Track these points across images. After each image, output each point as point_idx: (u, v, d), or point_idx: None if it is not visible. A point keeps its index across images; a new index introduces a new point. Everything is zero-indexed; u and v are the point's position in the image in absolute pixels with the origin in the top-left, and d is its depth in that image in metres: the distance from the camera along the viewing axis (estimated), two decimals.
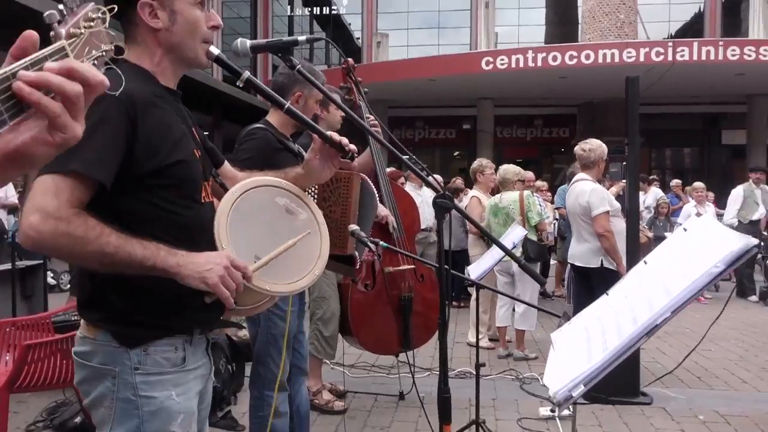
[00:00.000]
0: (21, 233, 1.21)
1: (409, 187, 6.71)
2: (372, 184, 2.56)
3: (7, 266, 5.01)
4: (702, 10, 20.92)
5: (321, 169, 1.63)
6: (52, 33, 0.78)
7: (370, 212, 2.52)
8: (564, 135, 20.39)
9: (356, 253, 2.28)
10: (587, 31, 16.38)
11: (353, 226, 2.17)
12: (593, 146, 4.58)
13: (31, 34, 0.73)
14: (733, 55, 13.25)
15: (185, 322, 1.44)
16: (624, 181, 5.48)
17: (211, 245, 1.40)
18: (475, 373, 3.26)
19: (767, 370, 5.05)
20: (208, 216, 1.44)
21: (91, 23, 0.85)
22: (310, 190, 2.25)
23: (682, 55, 13.27)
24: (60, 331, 3.42)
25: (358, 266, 2.30)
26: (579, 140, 5.02)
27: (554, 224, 8.08)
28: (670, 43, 13.75)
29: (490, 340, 5.78)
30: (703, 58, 13.30)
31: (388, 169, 6.28)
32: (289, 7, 23.49)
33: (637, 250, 4.27)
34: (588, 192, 4.44)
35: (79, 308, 1.43)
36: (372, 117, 3.31)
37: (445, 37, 22.59)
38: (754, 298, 8.32)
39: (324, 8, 23.29)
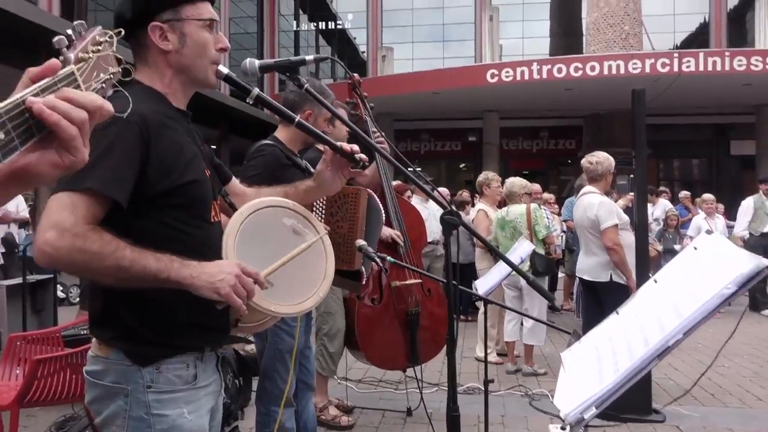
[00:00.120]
0: (37, 250, 1.22)
1: (415, 200, 6.71)
2: (378, 199, 2.57)
3: (18, 281, 5.04)
4: (707, 20, 20.97)
5: (332, 180, 1.66)
6: (61, 57, 0.79)
7: (376, 228, 2.53)
8: (570, 146, 20.38)
9: (363, 269, 2.28)
10: (592, 43, 16.44)
11: (360, 242, 2.17)
12: (600, 159, 4.57)
13: (56, 66, 0.75)
14: (740, 66, 13.24)
15: (196, 339, 1.44)
16: (632, 193, 5.47)
17: None
18: (483, 389, 3.23)
19: None
20: (217, 235, 1.45)
21: (99, 47, 0.87)
22: (317, 205, 2.26)
23: (688, 66, 13.27)
24: (70, 345, 3.43)
25: (364, 282, 2.31)
26: (586, 151, 5.02)
27: (562, 237, 8.04)
28: (676, 54, 13.76)
29: (498, 354, 5.74)
30: (710, 68, 13.30)
31: (395, 183, 6.29)
32: (294, 22, 23.71)
33: (646, 264, 4.24)
34: (596, 205, 4.42)
35: (91, 326, 1.44)
36: (378, 132, 3.32)
37: (450, 51, 22.72)
38: (767, 312, 8.23)
39: (329, 23, 23.50)
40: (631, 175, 5.33)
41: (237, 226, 1.46)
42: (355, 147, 1.62)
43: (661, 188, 11.80)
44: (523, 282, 5.33)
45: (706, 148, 20.34)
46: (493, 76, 14.30)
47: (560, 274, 8.75)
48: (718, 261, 0.90)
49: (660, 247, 8.44)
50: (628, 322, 1.01)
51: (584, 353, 1.07)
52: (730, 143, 19.89)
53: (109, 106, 0.77)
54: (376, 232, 2.55)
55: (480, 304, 5.56)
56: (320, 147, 3.08)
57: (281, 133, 2.78)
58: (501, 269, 3.72)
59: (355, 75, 3.53)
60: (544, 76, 13.92)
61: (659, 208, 9.69)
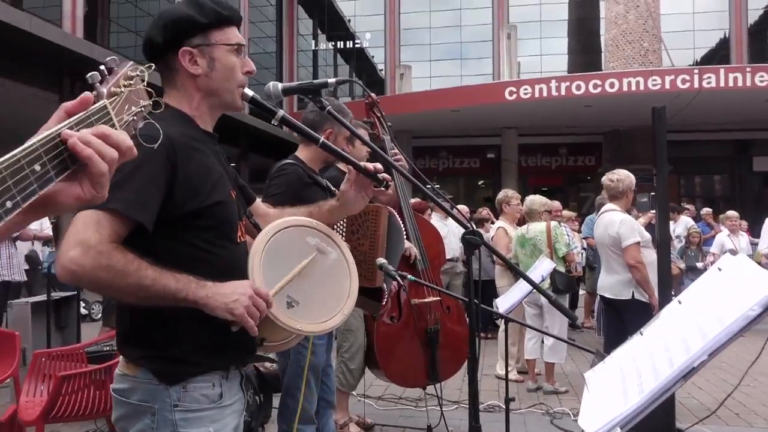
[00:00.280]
0: (60, 267, 1.24)
1: (435, 218, 6.72)
2: (398, 218, 2.59)
3: (43, 298, 5.11)
4: (727, 36, 20.81)
5: (356, 199, 1.68)
6: (94, 92, 0.83)
7: (397, 246, 2.54)
8: (590, 163, 20.26)
9: (384, 286, 2.29)
10: (611, 60, 16.39)
11: (381, 260, 2.19)
12: (621, 177, 4.55)
13: (89, 99, 0.79)
14: (762, 81, 13.12)
15: (223, 358, 1.46)
16: (653, 211, 5.42)
17: None
18: (504, 407, 3.21)
19: None
20: (243, 255, 1.47)
21: (130, 81, 0.91)
22: (338, 223, 2.28)
23: (708, 82, 13.18)
24: (93, 361, 3.47)
25: (385, 302, 2.31)
26: (605, 168, 5.00)
27: (582, 254, 7.98)
28: (696, 70, 13.68)
29: (519, 372, 5.69)
30: (731, 84, 13.19)
31: (414, 200, 6.31)
32: (313, 42, 24.03)
33: (668, 282, 4.19)
34: (617, 222, 4.40)
35: (119, 345, 1.46)
36: (396, 150, 3.35)
37: (468, 68, 22.80)
38: None
39: (348, 42, 23.75)
40: (652, 193, 5.29)
41: (262, 246, 1.47)
42: (379, 166, 1.64)
43: (685, 205, 11.63)
44: (543, 300, 5.29)
45: (728, 164, 20.09)
46: (511, 93, 14.32)
47: (581, 292, 8.66)
48: (742, 282, 0.90)
49: (682, 265, 8.32)
50: (653, 343, 1.01)
51: (608, 373, 1.07)
52: (753, 159, 19.62)
53: (135, 152, 0.82)
54: (398, 251, 2.56)
55: (500, 322, 5.53)
56: (341, 166, 3.11)
57: (302, 153, 2.82)
58: (522, 287, 3.71)
59: (373, 95, 3.57)
60: (563, 93, 13.91)
61: (681, 225, 9.57)
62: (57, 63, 9.59)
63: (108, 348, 3.64)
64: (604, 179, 4.66)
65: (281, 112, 1.57)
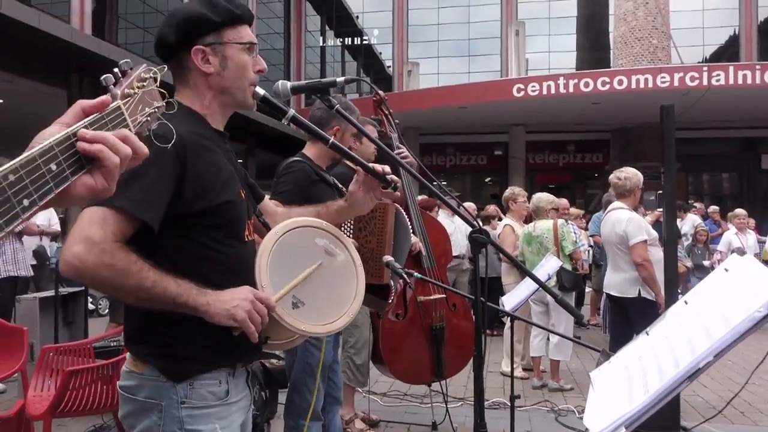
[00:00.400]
0: (64, 262, 1.24)
1: (442, 215, 6.71)
2: (405, 215, 2.59)
3: (51, 293, 5.14)
4: (737, 33, 20.65)
5: (364, 200, 1.68)
6: (108, 94, 0.85)
7: (404, 244, 2.55)
8: (597, 160, 20.18)
9: (392, 283, 2.30)
10: (619, 57, 16.31)
11: (388, 257, 2.20)
12: (629, 175, 4.54)
13: (108, 102, 0.82)
14: None
15: (229, 355, 1.46)
16: (660, 209, 5.40)
17: (252, 283, 1.43)
18: (509, 404, 3.22)
19: None
20: (251, 254, 1.47)
21: (144, 83, 0.93)
22: (346, 222, 2.29)
23: (717, 80, 13.08)
24: (100, 356, 3.50)
25: (391, 300, 2.32)
26: (613, 165, 4.99)
27: (589, 252, 7.96)
28: (705, 68, 13.58)
29: (524, 369, 5.69)
30: (740, 82, 13.10)
31: (421, 197, 6.31)
32: (321, 38, 24.02)
33: (675, 280, 4.18)
34: (624, 221, 4.39)
35: (126, 341, 1.47)
36: (403, 148, 3.35)
37: (476, 65, 22.76)
38: None
39: (355, 39, 23.73)
40: (659, 191, 5.27)
41: (270, 246, 1.47)
42: (387, 168, 1.64)
43: (694, 203, 11.55)
44: (550, 297, 5.29)
45: (736, 162, 19.96)
46: (519, 90, 14.27)
47: (587, 289, 8.65)
48: (749, 283, 0.90)
49: (689, 263, 8.29)
50: (659, 343, 1.02)
51: (614, 373, 1.08)
52: (761, 157, 19.49)
53: (147, 153, 0.85)
54: (404, 249, 2.57)
55: (506, 319, 5.53)
56: (349, 163, 3.12)
57: (310, 150, 2.83)
58: (528, 285, 3.71)
59: (381, 92, 3.57)
60: (571, 90, 13.85)
61: (688, 224, 9.54)
62: (65, 59, 9.63)
63: (115, 343, 3.66)
64: (612, 177, 4.65)
65: (292, 112, 1.57)
